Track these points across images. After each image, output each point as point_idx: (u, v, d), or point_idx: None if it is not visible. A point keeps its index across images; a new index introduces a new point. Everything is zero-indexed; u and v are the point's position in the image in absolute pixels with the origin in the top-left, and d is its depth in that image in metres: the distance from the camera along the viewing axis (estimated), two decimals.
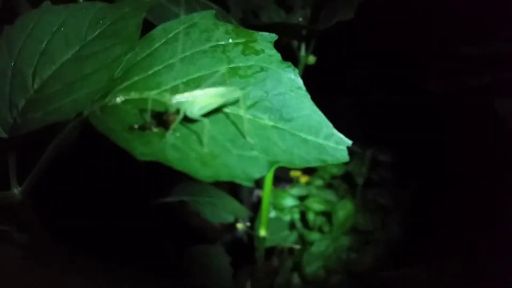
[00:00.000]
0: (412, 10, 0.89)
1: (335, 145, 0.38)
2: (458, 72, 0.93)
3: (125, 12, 0.45)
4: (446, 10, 0.87)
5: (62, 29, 0.45)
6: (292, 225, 1.04)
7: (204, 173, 0.34)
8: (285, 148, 0.37)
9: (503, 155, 0.85)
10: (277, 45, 0.42)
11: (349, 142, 0.38)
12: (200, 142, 0.36)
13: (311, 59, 0.75)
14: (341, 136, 0.38)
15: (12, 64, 0.45)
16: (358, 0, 0.64)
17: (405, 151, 1.03)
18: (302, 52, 0.74)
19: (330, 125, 0.38)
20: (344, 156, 0.37)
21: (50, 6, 0.46)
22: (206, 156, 0.35)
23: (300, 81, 0.40)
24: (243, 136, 0.37)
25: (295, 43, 0.75)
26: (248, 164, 0.35)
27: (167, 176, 0.79)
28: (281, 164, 0.36)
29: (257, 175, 0.35)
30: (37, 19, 0.46)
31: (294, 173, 1.15)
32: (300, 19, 0.72)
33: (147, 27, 0.45)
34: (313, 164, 0.37)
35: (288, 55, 0.42)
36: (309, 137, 0.38)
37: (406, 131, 1.02)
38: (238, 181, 0.34)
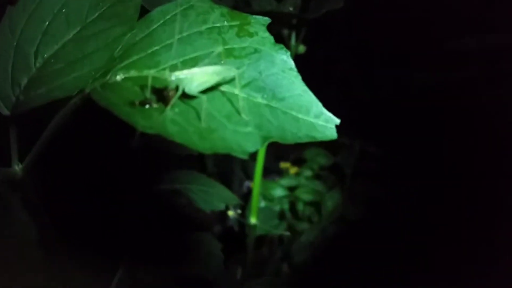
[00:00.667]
0: (402, 4, 0.91)
1: (325, 123, 0.40)
2: (447, 65, 0.96)
3: None
4: (435, 5, 0.89)
5: (64, 10, 0.46)
6: (281, 215, 1.06)
7: (202, 145, 0.36)
8: (277, 125, 0.39)
9: (490, 146, 0.88)
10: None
11: (337, 121, 0.40)
12: (198, 117, 0.38)
13: (301, 49, 0.77)
14: (330, 115, 0.40)
15: (15, 43, 0.46)
16: None
17: (393, 143, 1.05)
18: (293, 41, 0.76)
19: (319, 104, 0.40)
20: (333, 134, 0.39)
21: None
22: (204, 130, 0.37)
23: (292, 63, 0.42)
24: (238, 113, 0.39)
25: (285, 32, 0.77)
26: (243, 139, 0.37)
27: (159, 165, 0.80)
28: (273, 139, 0.38)
29: (251, 149, 0.37)
30: (39, 0, 0.47)
31: (283, 165, 1.17)
32: (291, 8, 0.74)
33: (144, 10, 0.47)
34: (303, 140, 0.39)
35: (279, 43, 0.44)
36: (300, 115, 0.40)
37: (394, 123, 1.04)
38: (233, 153, 0.36)
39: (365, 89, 1.09)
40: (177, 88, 0.39)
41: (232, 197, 0.85)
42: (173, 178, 0.81)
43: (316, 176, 1.12)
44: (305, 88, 0.41)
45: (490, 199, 0.90)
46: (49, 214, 0.53)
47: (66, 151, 0.62)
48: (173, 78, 0.39)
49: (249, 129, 0.38)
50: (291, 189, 1.08)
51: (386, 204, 1.05)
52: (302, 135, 0.39)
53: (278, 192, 1.05)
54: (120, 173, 0.72)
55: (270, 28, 0.44)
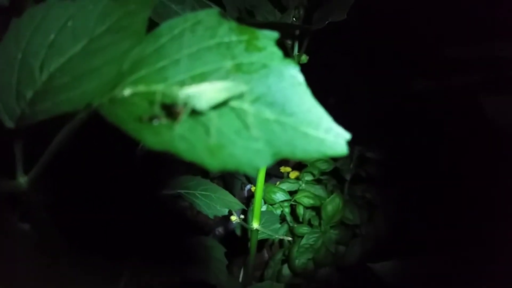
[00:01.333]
0: (403, 11, 0.91)
1: (335, 138, 0.40)
2: (446, 72, 0.96)
3: (131, 8, 0.46)
4: (435, 12, 0.90)
5: (70, 23, 0.46)
6: (282, 219, 1.07)
7: (212, 162, 0.36)
8: (287, 141, 0.39)
9: (489, 152, 0.88)
10: None
11: (348, 136, 0.40)
12: (207, 133, 0.38)
13: (304, 58, 0.77)
14: (340, 129, 0.40)
15: (20, 56, 0.46)
16: (350, 1, 0.66)
17: (392, 149, 1.06)
18: (295, 51, 0.76)
19: (330, 119, 0.40)
20: (343, 149, 0.39)
21: (56, 1, 0.48)
22: (213, 147, 0.37)
23: (301, 78, 0.42)
24: (248, 129, 0.39)
25: (288, 42, 0.77)
26: (253, 155, 0.37)
27: (162, 170, 0.80)
28: (283, 156, 0.38)
29: (261, 165, 0.37)
30: (45, 12, 0.47)
31: (284, 169, 1.17)
32: (294, 19, 0.74)
33: (150, 24, 0.46)
34: (314, 156, 0.39)
35: (288, 58, 0.44)
36: (310, 131, 0.40)
37: (393, 129, 1.04)
38: (243, 170, 0.36)
39: (365, 95, 1.09)
40: (186, 104, 0.39)
41: (235, 202, 0.85)
42: (177, 184, 0.81)
43: (317, 181, 1.12)
44: (315, 103, 0.41)
45: (490, 204, 0.90)
46: (54, 223, 0.53)
47: (71, 159, 0.61)
48: (181, 94, 0.39)
49: (259, 145, 0.38)
50: (292, 193, 1.08)
51: (385, 208, 1.05)
52: (312, 151, 0.39)
53: (279, 196, 1.05)
54: (124, 179, 0.72)
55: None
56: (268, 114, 0.40)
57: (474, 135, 0.95)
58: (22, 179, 0.47)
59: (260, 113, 0.40)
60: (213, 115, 0.38)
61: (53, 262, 0.56)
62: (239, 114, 0.40)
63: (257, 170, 0.36)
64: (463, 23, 0.89)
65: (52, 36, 0.46)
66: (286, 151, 0.38)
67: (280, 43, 0.75)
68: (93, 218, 0.65)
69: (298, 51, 0.75)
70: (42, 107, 0.43)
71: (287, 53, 0.75)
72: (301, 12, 0.72)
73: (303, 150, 0.39)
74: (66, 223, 0.57)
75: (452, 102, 0.96)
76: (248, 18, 0.69)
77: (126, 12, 0.46)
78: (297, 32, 0.73)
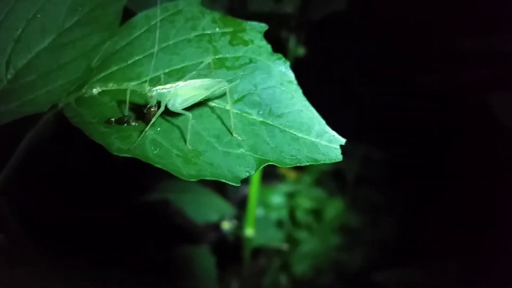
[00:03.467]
0: (407, 2, 0.87)
1: (328, 143, 0.35)
2: (452, 67, 0.92)
3: None
4: (441, 3, 0.85)
5: (39, 16, 0.42)
6: (279, 223, 1.03)
7: (187, 171, 0.31)
8: (274, 146, 0.35)
9: (497, 151, 0.84)
10: (264, 36, 0.40)
11: (343, 141, 0.36)
12: (183, 137, 0.34)
13: (301, 51, 0.73)
14: (334, 134, 0.36)
15: None
16: None
17: (398, 148, 1.02)
18: (292, 43, 0.72)
19: (322, 122, 0.36)
20: (337, 155, 0.35)
21: None
22: (189, 153, 0.33)
23: (291, 74, 0.38)
24: (230, 132, 0.35)
25: (283, 34, 0.73)
26: (234, 163, 0.33)
27: (148, 173, 0.76)
28: (270, 163, 0.34)
29: (244, 175, 0.33)
30: (12, 5, 0.42)
31: (282, 169, 1.13)
32: (290, 10, 0.70)
33: (128, 15, 0.42)
34: (304, 163, 0.34)
35: (276, 46, 0.39)
36: (300, 134, 0.35)
37: (399, 127, 1.00)
38: (224, 180, 0.32)
39: (368, 92, 1.05)
40: (159, 104, 0.35)
41: (226, 207, 0.81)
42: (164, 187, 0.77)
43: (317, 182, 1.08)
44: (306, 103, 0.37)
45: (500, 206, 0.87)
46: (27, 231, 0.49)
47: (43, 163, 0.58)
48: (154, 93, 0.34)
49: (242, 150, 0.34)
50: (290, 195, 1.04)
51: (390, 212, 1.01)
52: (302, 158, 0.34)
53: (276, 199, 1.01)
54: (104, 183, 0.68)
55: (267, 31, 0.40)
56: (254, 115, 0.36)
57: (482, 134, 0.91)
58: None
59: (245, 113, 0.36)
60: (190, 116, 0.34)
61: (28, 274, 0.52)
62: (220, 115, 0.36)
63: (239, 181, 0.32)
64: (470, 16, 0.85)
65: (19, 30, 0.42)
66: (273, 158, 0.34)
67: (274, 36, 0.71)
68: (72, 227, 0.61)
69: (295, 44, 0.71)
70: (6, 109, 0.39)
71: (282, 46, 0.71)
72: (298, 1, 0.68)
73: (293, 156, 0.34)
74: (41, 232, 0.54)
75: (459, 99, 0.91)
76: (239, 8, 0.65)
77: (99, 2, 0.42)
78: (293, 23, 0.69)
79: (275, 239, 0.94)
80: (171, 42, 0.38)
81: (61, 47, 0.40)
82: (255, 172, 0.33)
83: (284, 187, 1.05)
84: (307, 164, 0.34)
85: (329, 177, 1.09)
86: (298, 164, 0.34)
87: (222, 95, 0.37)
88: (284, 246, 0.90)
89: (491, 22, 0.88)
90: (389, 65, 0.98)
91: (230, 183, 0.32)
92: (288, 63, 0.38)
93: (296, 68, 0.39)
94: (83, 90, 0.37)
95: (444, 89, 0.98)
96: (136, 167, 0.71)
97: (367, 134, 1.02)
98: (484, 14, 0.88)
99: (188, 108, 0.35)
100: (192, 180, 0.31)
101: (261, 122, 0.36)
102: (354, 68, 1.04)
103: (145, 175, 0.74)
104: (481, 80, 0.92)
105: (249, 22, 0.40)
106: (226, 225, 0.85)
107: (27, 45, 0.41)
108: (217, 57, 0.38)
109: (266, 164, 0.34)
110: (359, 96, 1.05)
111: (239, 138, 0.34)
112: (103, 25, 0.40)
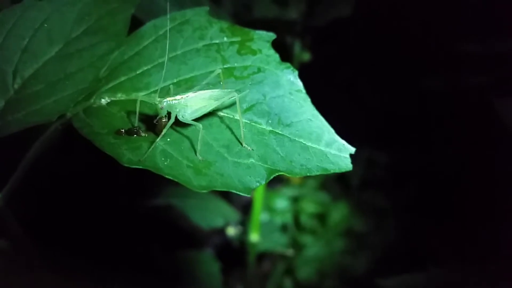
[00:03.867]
0: (412, 6, 0.87)
1: (338, 152, 0.35)
2: (458, 70, 0.91)
3: (113, 7, 0.42)
4: (446, 8, 0.85)
5: (46, 25, 0.42)
6: (284, 227, 1.02)
7: (198, 182, 0.31)
8: (284, 155, 0.34)
9: (503, 155, 0.84)
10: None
11: (352, 150, 0.35)
12: (193, 148, 0.34)
13: (306, 57, 0.73)
14: (344, 143, 0.36)
15: None
16: None
17: (402, 151, 1.01)
18: (297, 49, 0.72)
19: (332, 130, 0.36)
20: (347, 165, 0.35)
21: (33, 1, 0.43)
22: (199, 164, 0.33)
23: (299, 84, 0.37)
24: (239, 142, 0.35)
25: (288, 39, 0.72)
26: (245, 173, 0.33)
27: (153, 178, 0.76)
28: (280, 173, 0.33)
29: (254, 185, 0.33)
30: (19, 15, 0.42)
31: None
32: (295, 15, 0.70)
33: (136, 24, 0.42)
34: (314, 172, 0.34)
35: (281, 52, 0.39)
36: (310, 144, 0.35)
37: (404, 130, 1.00)
38: (234, 191, 0.32)
39: (373, 96, 1.04)
40: (169, 115, 0.35)
41: (231, 212, 0.81)
42: (168, 192, 0.77)
43: (321, 186, 1.07)
44: (315, 112, 0.36)
45: (508, 209, 0.86)
46: (32, 238, 0.49)
47: (48, 170, 0.57)
48: (164, 104, 0.34)
49: (252, 160, 0.34)
50: (294, 199, 1.04)
51: (395, 215, 1.01)
52: (312, 167, 0.34)
53: (281, 203, 1.01)
54: (110, 189, 0.67)
55: None
56: (263, 124, 0.36)
57: (488, 138, 0.90)
58: None
59: (254, 123, 0.36)
60: (200, 127, 0.34)
61: (32, 279, 0.52)
62: (229, 125, 0.36)
63: (250, 192, 0.32)
64: (475, 19, 0.84)
65: (26, 40, 0.42)
66: (283, 168, 0.34)
67: (279, 41, 0.71)
68: (77, 232, 0.61)
69: (300, 49, 0.71)
70: (14, 118, 0.39)
71: (287, 52, 0.71)
72: (303, 7, 0.68)
73: (302, 166, 0.34)
74: (46, 238, 0.53)
75: (464, 103, 0.91)
76: (245, 14, 0.64)
77: (107, 11, 0.41)
78: (298, 28, 0.69)
79: (279, 243, 0.94)
80: (179, 52, 0.38)
81: (68, 56, 0.40)
82: (265, 182, 0.33)
83: (289, 191, 1.04)
84: (317, 173, 0.34)
85: (334, 181, 1.09)
86: (308, 174, 0.34)
87: (231, 105, 0.37)
88: (289, 252, 0.90)
89: (496, 25, 0.88)
90: (394, 69, 0.98)
91: (241, 193, 0.32)
92: (296, 72, 0.38)
93: (301, 73, 0.38)
94: (92, 100, 0.37)
95: (449, 92, 0.98)
96: (140, 173, 0.71)
97: (372, 137, 1.02)
98: (488, 18, 0.87)
99: (198, 119, 0.35)
100: (203, 191, 0.31)
101: (270, 131, 0.36)
102: (358, 73, 1.04)
103: (150, 180, 0.74)
104: (487, 83, 0.92)
105: (257, 31, 0.40)
106: (231, 231, 0.85)
107: (34, 55, 0.41)
108: (225, 66, 0.38)
109: (277, 174, 0.33)
110: (363, 100, 1.05)
111: (249, 148, 0.34)
112: (110, 35, 0.40)
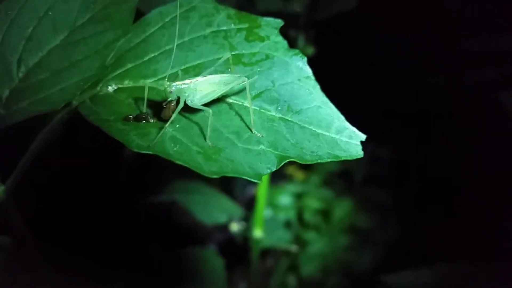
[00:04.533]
0: (415, 2, 0.86)
1: (348, 139, 0.35)
2: (463, 66, 0.91)
3: None
4: (450, 4, 0.85)
5: (50, 13, 0.41)
6: (287, 224, 1.02)
7: (208, 168, 0.31)
8: (294, 142, 0.34)
9: (508, 150, 0.83)
10: None
11: (363, 137, 0.35)
12: (202, 134, 0.33)
13: (310, 51, 0.73)
14: (354, 129, 0.35)
15: None
16: None
17: (407, 148, 1.01)
18: (300, 42, 0.72)
19: (342, 117, 0.35)
20: (358, 152, 0.34)
21: None
22: (209, 150, 0.32)
23: (308, 70, 0.37)
24: (249, 128, 0.34)
25: (292, 33, 0.72)
26: (255, 159, 0.32)
27: (156, 174, 0.76)
28: (291, 159, 0.33)
29: (265, 171, 0.32)
30: (23, 3, 0.42)
31: (290, 169, 1.12)
32: (298, 9, 0.69)
33: (139, 16, 0.42)
34: (325, 159, 0.34)
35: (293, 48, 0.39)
36: (320, 131, 0.35)
37: (407, 126, 0.99)
38: (245, 177, 0.31)
39: (376, 91, 1.04)
40: (177, 100, 0.34)
41: (235, 208, 0.81)
42: (171, 188, 0.76)
43: (325, 182, 1.07)
44: (325, 99, 0.36)
45: (508, 204, 0.86)
46: (35, 233, 0.48)
47: (52, 164, 0.57)
48: (173, 88, 0.34)
49: (262, 147, 0.33)
50: (298, 195, 1.04)
51: (399, 212, 1.01)
52: (323, 154, 0.34)
53: (284, 199, 1.00)
54: (112, 185, 0.67)
55: None
56: (272, 111, 0.35)
57: (493, 133, 0.90)
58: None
59: (263, 110, 0.35)
60: (209, 112, 0.33)
61: (35, 276, 0.52)
62: (239, 112, 0.35)
63: (261, 178, 0.31)
64: (478, 16, 0.84)
65: (31, 28, 0.41)
66: (294, 154, 0.33)
67: (282, 34, 0.70)
68: (79, 227, 0.60)
69: (304, 43, 0.71)
70: (19, 107, 0.39)
71: (291, 46, 0.70)
72: (306, 0, 0.67)
73: (313, 153, 0.34)
74: (49, 234, 0.53)
75: (469, 99, 0.91)
76: (247, 7, 0.64)
77: (112, 0, 0.41)
78: (302, 22, 0.69)
79: (283, 240, 0.93)
80: (186, 39, 0.38)
81: (73, 44, 0.40)
82: (276, 168, 0.32)
83: (292, 188, 1.04)
84: (328, 160, 0.34)
85: (337, 177, 1.08)
86: (319, 161, 0.34)
87: (239, 91, 0.36)
88: (293, 248, 0.89)
89: (499, 22, 0.88)
90: (398, 64, 0.98)
91: (252, 179, 0.31)
92: (305, 59, 0.37)
93: None
94: (98, 88, 0.36)
95: (453, 88, 0.98)
96: (144, 168, 0.71)
97: (375, 133, 1.01)
98: (492, 14, 0.87)
99: (206, 105, 0.35)
100: (214, 176, 0.30)
101: (280, 118, 0.35)
102: (362, 67, 1.03)
103: (153, 176, 0.73)
104: (491, 79, 0.92)
105: (264, 18, 0.39)
106: (235, 227, 0.84)
107: (38, 43, 0.41)
108: (233, 53, 0.37)
109: (287, 160, 0.33)
110: (367, 95, 1.04)
111: (259, 134, 0.34)
112: (116, 22, 0.39)
